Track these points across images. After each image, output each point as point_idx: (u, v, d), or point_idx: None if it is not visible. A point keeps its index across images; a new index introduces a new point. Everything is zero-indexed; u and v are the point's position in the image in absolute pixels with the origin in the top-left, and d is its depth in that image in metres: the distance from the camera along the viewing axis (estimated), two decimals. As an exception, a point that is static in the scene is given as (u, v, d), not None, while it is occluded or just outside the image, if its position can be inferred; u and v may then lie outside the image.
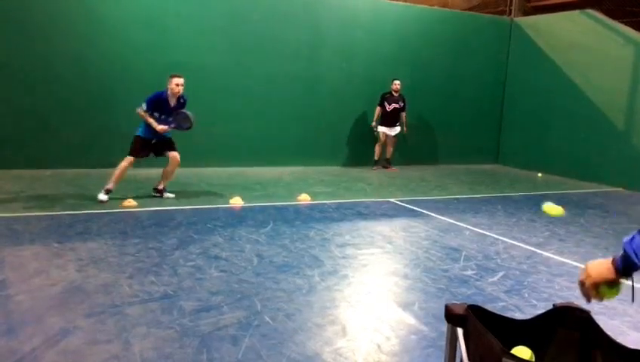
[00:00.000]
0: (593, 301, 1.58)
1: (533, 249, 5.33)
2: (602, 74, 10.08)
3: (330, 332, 3.25)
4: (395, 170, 10.46)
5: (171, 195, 6.76)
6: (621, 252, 1.50)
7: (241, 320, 3.32)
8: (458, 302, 1.75)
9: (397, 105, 10.32)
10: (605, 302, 4.00)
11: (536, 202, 7.87)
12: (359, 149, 10.66)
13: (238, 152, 9.53)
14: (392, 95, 10.31)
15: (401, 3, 11.17)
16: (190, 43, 8.90)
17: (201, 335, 3.09)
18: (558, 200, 8.18)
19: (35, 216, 5.59)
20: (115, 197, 6.45)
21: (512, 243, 5.49)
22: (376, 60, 10.58)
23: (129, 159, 6.49)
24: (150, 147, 6.64)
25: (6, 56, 7.90)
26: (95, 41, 8.39)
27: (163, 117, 6.54)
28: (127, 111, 8.51)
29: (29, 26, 8.00)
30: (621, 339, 1.54)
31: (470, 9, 12.61)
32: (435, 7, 11.91)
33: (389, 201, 7.39)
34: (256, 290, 3.84)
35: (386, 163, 10.57)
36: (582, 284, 1.57)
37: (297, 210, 6.54)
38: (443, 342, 1.85)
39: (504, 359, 1.42)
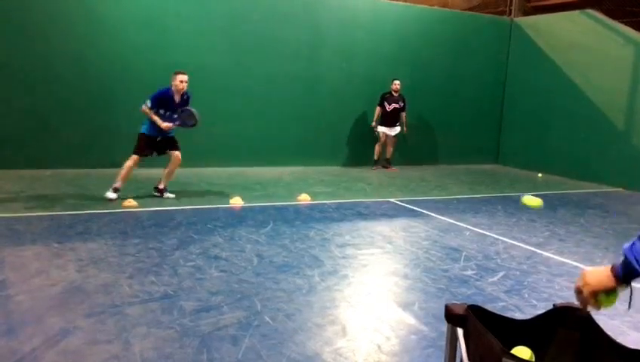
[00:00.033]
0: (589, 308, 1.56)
1: (533, 249, 5.33)
2: (602, 74, 10.08)
3: (330, 332, 3.25)
4: (395, 170, 10.46)
5: (171, 195, 6.76)
6: (620, 259, 1.47)
7: (241, 320, 3.32)
8: (458, 302, 1.75)
9: (397, 105, 10.32)
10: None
11: (536, 202, 7.87)
12: (359, 149, 10.66)
13: (238, 152, 9.54)
14: (392, 95, 10.31)
15: (401, 3, 11.17)
16: (190, 43, 8.90)
17: (202, 335, 3.09)
18: (558, 200, 8.23)
19: (35, 216, 5.59)
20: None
21: (512, 244, 5.49)
22: (376, 60, 10.58)
23: (134, 158, 6.52)
24: (154, 145, 6.66)
25: (6, 56, 7.90)
26: (95, 41, 8.39)
27: (168, 113, 6.56)
28: (127, 111, 8.55)
29: (29, 26, 8.00)
30: (621, 339, 1.54)
31: (470, 9, 12.61)
32: (435, 7, 11.91)
33: (389, 201, 7.39)
34: (256, 290, 3.84)
35: (386, 163, 10.57)
36: (579, 292, 1.54)
37: (297, 210, 6.54)
38: (443, 342, 1.85)
39: (504, 359, 1.42)
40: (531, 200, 7.65)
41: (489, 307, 1.80)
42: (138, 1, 8.64)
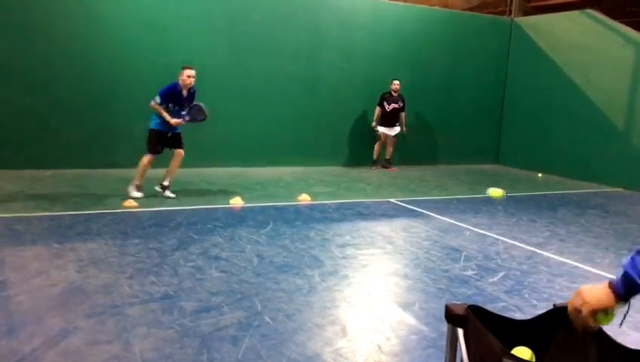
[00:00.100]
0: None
1: (533, 249, 5.33)
2: (602, 74, 10.08)
3: (330, 332, 3.25)
4: (395, 170, 10.46)
5: (172, 195, 6.76)
6: (618, 276, 1.42)
7: (242, 321, 3.32)
8: (458, 303, 1.75)
9: (396, 105, 10.32)
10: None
11: (537, 202, 7.88)
12: (359, 149, 10.66)
13: (238, 152, 9.54)
14: (392, 95, 10.31)
15: (401, 3, 11.17)
16: (190, 43, 8.90)
17: (202, 335, 3.09)
18: (558, 200, 8.24)
19: (35, 216, 5.59)
20: (116, 195, 6.45)
21: (512, 244, 5.49)
22: (376, 60, 10.58)
23: (148, 157, 6.62)
24: (165, 141, 6.73)
25: (6, 56, 7.90)
26: (95, 41, 8.39)
27: (177, 108, 6.63)
28: (127, 111, 8.58)
29: (29, 26, 8.00)
30: (621, 339, 1.54)
31: (470, 9, 12.61)
32: (435, 7, 11.91)
33: (389, 201, 7.39)
34: (256, 291, 3.84)
35: (386, 163, 10.57)
36: (577, 312, 1.48)
37: (297, 211, 6.54)
38: (443, 343, 1.85)
39: (504, 359, 1.42)
40: (494, 191, 7.88)
41: (489, 307, 1.80)
42: (138, 1, 8.64)
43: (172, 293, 3.71)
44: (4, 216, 5.52)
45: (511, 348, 1.59)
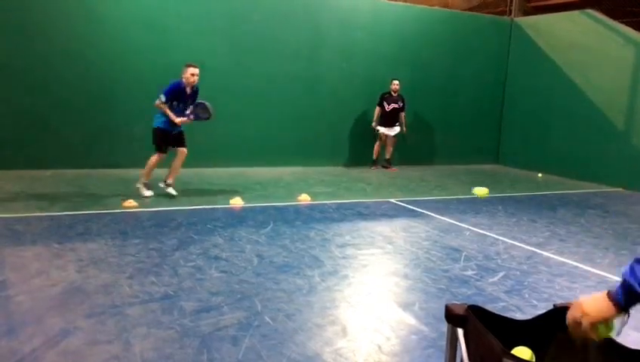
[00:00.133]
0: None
1: (533, 249, 5.33)
2: (602, 74, 10.08)
3: (330, 332, 3.25)
4: (394, 170, 10.46)
5: (174, 192, 6.80)
6: (616, 285, 1.40)
7: (242, 321, 3.32)
8: (458, 303, 1.75)
9: (396, 105, 10.32)
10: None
11: (538, 202, 7.88)
12: (359, 149, 10.66)
13: (238, 152, 9.54)
14: (391, 95, 10.31)
15: (401, 3, 11.18)
16: (190, 43, 8.89)
17: (202, 335, 3.09)
18: (558, 200, 8.24)
19: (36, 216, 5.59)
20: (116, 195, 6.45)
21: (512, 244, 5.49)
22: (376, 60, 10.58)
23: (156, 156, 6.69)
24: (170, 139, 6.76)
25: (6, 56, 7.90)
26: (95, 41, 8.39)
27: (180, 106, 6.67)
28: (127, 111, 8.58)
29: (29, 26, 8.01)
30: (621, 339, 1.54)
31: (470, 9, 12.61)
32: (435, 7, 11.91)
33: (389, 201, 7.39)
34: (256, 291, 3.84)
35: (386, 163, 10.57)
36: (577, 323, 1.45)
37: (297, 211, 6.54)
38: (443, 343, 1.85)
39: (504, 359, 1.42)
40: (479, 190, 8.05)
41: (489, 307, 1.80)
42: (138, 1, 8.64)
43: (172, 293, 3.71)
44: (4, 216, 5.52)
45: (511, 348, 1.59)
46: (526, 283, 4.31)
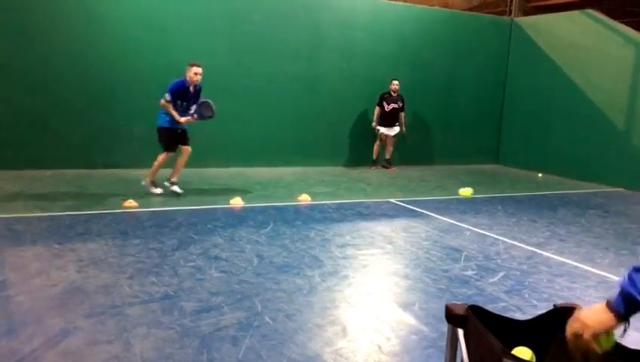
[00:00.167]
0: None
1: (533, 249, 5.33)
2: (602, 74, 10.08)
3: (330, 332, 3.25)
4: (395, 170, 10.46)
5: (180, 191, 6.88)
6: (613, 295, 1.39)
7: (242, 321, 3.32)
8: (459, 303, 1.75)
9: (396, 105, 10.32)
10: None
11: (538, 202, 7.88)
12: (359, 149, 10.66)
13: (238, 153, 9.54)
14: (391, 95, 10.31)
15: (401, 3, 11.17)
16: (190, 43, 8.89)
17: (202, 335, 3.09)
18: (558, 200, 8.24)
19: (36, 216, 5.59)
20: (116, 195, 6.45)
21: (512, 244, 5.49)
22: (376, 60, 10.58)
23: (164, 156, 6.76)
24: (176, 137, 6.83)
25: (6, 56, 7.90)
26: (95, 41, 8.39)
27: (185, 104, 6.74)
28: (127, 111, 8.58)
29: (29, 26, 8.00)
30: (621, 339, 1.54)
31: (470, 9, 12.61)
32: (435, 7, 11.91)
33: (389, 201, 7.39)
34: (256, 291, 3.84)
35: (386, 163, 10.57)
36: (577, 336, 1.43)
37: (298, 211, 6.54)
38: (443, 343, 1.85)
39: (505, 359, 1.42)
40: (464, 191, 8.14)
41: (489, 307, 1.80)
42: (138, 1, 8.64)
43: (172, 293, 3.71)
44: (4, 216, 5.52)
45: (511, 348, 1.59)
46: (526, 284, 4.30)
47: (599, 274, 4.65)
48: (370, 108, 10.45)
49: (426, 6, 11.51)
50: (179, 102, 6.68)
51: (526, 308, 3.75)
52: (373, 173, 9.97)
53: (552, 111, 11.00)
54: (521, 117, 11.78)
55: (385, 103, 10.27)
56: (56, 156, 8.29)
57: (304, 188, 7.80)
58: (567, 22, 10.76)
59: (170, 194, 6.86)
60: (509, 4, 12.25)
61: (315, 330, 3.26)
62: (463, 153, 11.80)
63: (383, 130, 10.36)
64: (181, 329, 3.16)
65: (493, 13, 12.42)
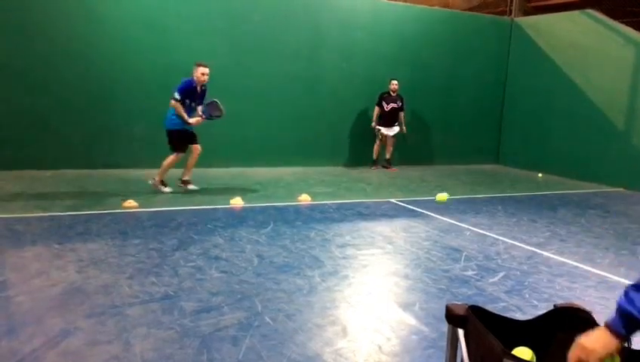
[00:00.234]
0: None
1: (533, 249, 5.33)
2: (602, 74, 10.08)
3: (330, 332, 3.25)
4: (395, 170, 10.46)
5: (195, 187, 7.12)
6: (611, 316, 1.40)
7: (242, 321, 3.32)
8: (459, 303, 1.75)
9: (395, 105, 10.32)
10: (606, 303, 3.99)
11: (538, 202, 7.88)
12: (359, 149, 10.66)
13: (238, 153, 9.54)
14: (390, 95, 10.31)
15: (401, 3, 11.17)
16: (190, 43, 8.89)
17: (202, 335, 3.09)
18: (558, 200, 8.24)
19: (36, 216, 5.59)
20: (116, 195, 6.45)
21: (512, 244, 5.49)
22: (376, 60, 10.58)
23: (173, 157, 6.86)
24: (187, 137, 6.96)
25: (6, 56, 7.90)
26: (95, 41, 8.39)
27: (193, 105, 6.85)
28: (127, 111, 8.58)
29: (29, 26, 8.00)
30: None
31: (470, 9, 12.61)
32: (435, 7, 11.91)
33: (389, 201, 7.39)
34: (256, 291, 3.84)
35: (386, 163, 10.57)
36: None
37: (298, 211, 6.54)
38: (444, 343, 1.85)
39: (505, 360, 1.42)
40: (440, 196, 8.05)
41: (490, 307, 1.80)
42: (138, 1, 8.63)
43: (172, 293, 3.71)
44: (4, 216, 5.52)
45: (511, 348, 1.59)
46: (526, 284, 4.30)
47: (599, 274, 4.65)
48: (371, 108, 10.45)
49: (426, 6, 11.51)
50: (187, 101, 6.76)
51: (526, 308, 3.75)
52: (373, 173, 9.97)
53: (552, 112, 11.00)
54: (521, 117, 11.78)
55: (384, 103, 10.27)
56: (57, 156, 8.29)
57: (304, 188, 7.80)
58: (568, 22, 10.76)
59: (173, 194, 6.89)
60: (509, 4, 12.25)
61: (315, 330, 3.26)
62: (463, 153, 11.80)
63: (382, 130, 10.35)
64: (181, 329, 3.16)
65: (493, 13, 12.42)
